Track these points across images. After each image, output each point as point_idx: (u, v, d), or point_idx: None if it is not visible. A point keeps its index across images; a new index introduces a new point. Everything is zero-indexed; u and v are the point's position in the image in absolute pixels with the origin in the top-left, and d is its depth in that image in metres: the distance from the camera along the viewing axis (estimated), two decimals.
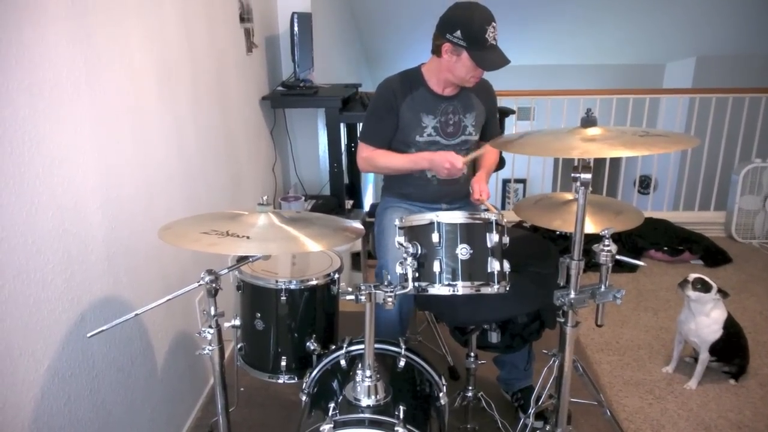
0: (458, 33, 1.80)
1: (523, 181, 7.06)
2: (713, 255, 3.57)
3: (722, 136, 4.14)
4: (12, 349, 1.21)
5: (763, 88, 4.24)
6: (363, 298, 1.33)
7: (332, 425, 1.28)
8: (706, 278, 2.23)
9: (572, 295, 1.41)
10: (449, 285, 1.37)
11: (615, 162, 4.84)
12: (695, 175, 4.32)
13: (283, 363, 1.74)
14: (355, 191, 3.60)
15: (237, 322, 1.75)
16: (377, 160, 2.04)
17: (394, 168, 2.05)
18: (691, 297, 2.23)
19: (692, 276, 2.25)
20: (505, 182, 7.37)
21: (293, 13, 2.96)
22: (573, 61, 7.59)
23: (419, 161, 1.98)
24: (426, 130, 1.98)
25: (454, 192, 2.09)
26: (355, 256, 3.24)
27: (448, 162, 1.87)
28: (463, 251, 1.37)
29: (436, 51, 1.90)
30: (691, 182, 4.41)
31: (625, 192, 5.75)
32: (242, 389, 2.25)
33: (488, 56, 1.82)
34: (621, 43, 6.90)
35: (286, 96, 3.07)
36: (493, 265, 1.37)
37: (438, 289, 1.37)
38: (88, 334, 1.32)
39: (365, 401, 1.38)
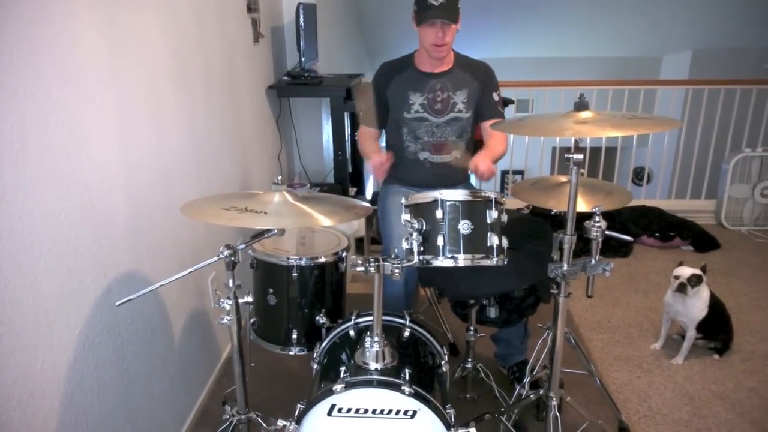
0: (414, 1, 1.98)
1: (521, 173, 7.17)
2: (703, 241, 3.70)
3: (714, 127, 4.26)
4: (49, 314, 1.31)
5: (753, 80, 4.35)
6: (372, 269, 1.44)
7: (344, 385, 1.39)
8: (695, 271, 2.33)
9: (565, 267, 1.53)
10: (452, 257, 1.47)
11: (610, 154, 4.95)
12: (687, 165, 4.44)
13: (294, 336, 1.86)
14: (358, 179, 3.70)
15: (250, 299, 1.85)
16: (360, 140, 2.29)
17: (361, 151, 2.28)
18: (691, 295, 2.33)
19: (684, 275, 2.33)
20: (504, 173, 7.47)
21: (299, 4, 3.06)
22: (572, 53, 7.69)
23: (366, 155, 2.20)
24: (413, 107, 2.09)
25: (446, 175, 2.17)
26: (359, 241, 3.34)
27: (372, 165, 2.08)
28: (464, 226, 1.47)
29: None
30: (683, 171, 4.53)
31: (620, 184, 5.86)
32: (253, 364, 2.35)
33: (423, 13, 1.95)
34: (619, 36, 7.00)
35: (292, 85, 3.16)
36: (493, 240, 1.48)
37: (441, 261, 1.47)
38: (117, 303, 1.42)
39: (374, 365, 1.49)
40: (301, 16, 3.03)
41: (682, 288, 2.33)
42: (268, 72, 3.11)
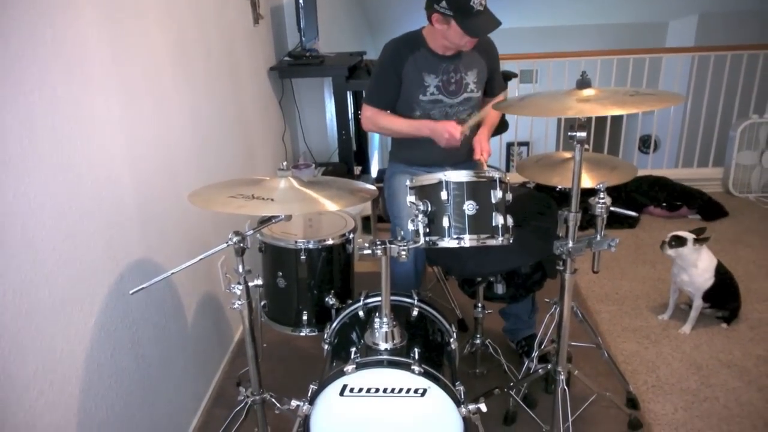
0: (444, 3, 1.84)
1: (526, 144, 7.13)
2: (710, 209, 3.69)
3: (721, 94, 4.20)
4: (65, 303, 1.34)
5: (760, 44, 4.27)
6: (379, 252, 1.46)
7: (354, 366, 1.42)
8: (680, 233, 2.36)
9: (570, 244, 1.54)
10: (457, 238, 1.49)
11: (616, 122, 4.90)
12: (694, 133, 4.40)
13: (305, 317, 1.89)
14: (363, 158, 3.71)
15: (260, 282, 1.88)
16: (380, 121, 2.13)
17: (396, 130, 2.13)
18: (672, 255, 2.36)
19: (668, 236, 2.38)
20: (509, 145, 7.44)
21: None
22: (575, 21, 7.56)
23: (422, 128, 2.05)
24: (429, 89, 2.06)
25: (458, 155, 2.17)
26: (366, 220, 3.37)
27: (447, 132, 1.96)
28: (469, 207, 1.48)
29: (429, 20, 1.96)
30: (690, 139, 4.49)
31: (627, 152, 5.82)
32: (265, 345, 2.40)
33: (475, 23, 1.84)
34: (623, 1, 6.87)
35: (294, 66, 3.15)
36: (498, 219, 1.49)
37: (447, 242, 1.49)
38: (131, 291, 1.45)
39: (383, 345, 1.52)
40: None
41: (661, 246, 2.40)
42: (269, 53, 3.10)
